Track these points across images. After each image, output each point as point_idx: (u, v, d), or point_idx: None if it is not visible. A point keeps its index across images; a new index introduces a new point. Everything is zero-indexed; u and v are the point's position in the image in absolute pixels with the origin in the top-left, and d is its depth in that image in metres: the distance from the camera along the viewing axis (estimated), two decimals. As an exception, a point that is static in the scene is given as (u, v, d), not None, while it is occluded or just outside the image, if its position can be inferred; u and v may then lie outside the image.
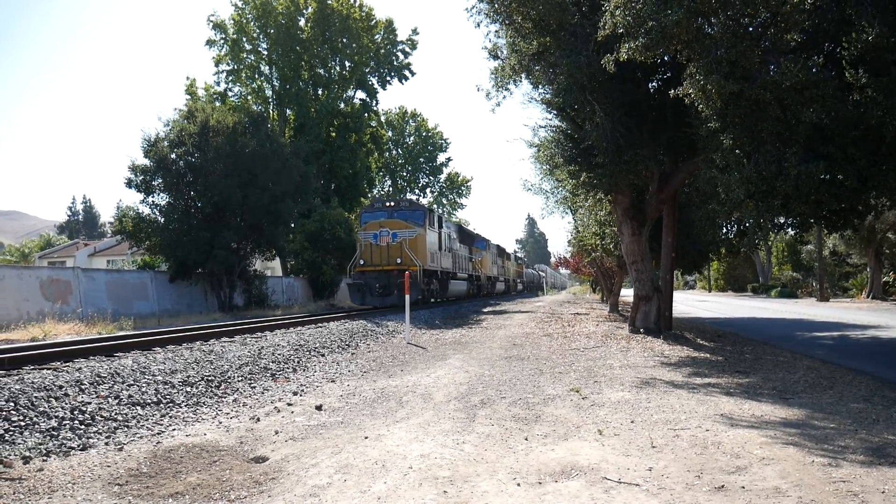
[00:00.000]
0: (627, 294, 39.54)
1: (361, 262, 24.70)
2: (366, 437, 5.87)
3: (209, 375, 9.10)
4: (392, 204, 26.88)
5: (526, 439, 5.69)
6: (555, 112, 15.20)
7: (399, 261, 23.87)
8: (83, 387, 7.37)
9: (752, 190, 9.46)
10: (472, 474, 4.72)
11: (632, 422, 6.29)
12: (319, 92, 40.73)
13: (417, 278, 22.88)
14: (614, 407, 7.02)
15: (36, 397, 6.67)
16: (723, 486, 4.34)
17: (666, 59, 12.14)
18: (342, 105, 41.74)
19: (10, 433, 5.76)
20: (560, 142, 14.99)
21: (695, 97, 9.28)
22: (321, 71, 40.98)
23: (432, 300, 28.73)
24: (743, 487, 4.30)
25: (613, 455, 5.13)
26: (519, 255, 79.02)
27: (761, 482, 4.40)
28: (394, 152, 62.48)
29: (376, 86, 44.06)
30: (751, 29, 9.67)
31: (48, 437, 5.72)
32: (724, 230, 18.75)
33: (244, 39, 39.01)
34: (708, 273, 71.00)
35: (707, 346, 13.83)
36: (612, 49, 10.13)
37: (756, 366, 10.52)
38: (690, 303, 40.62)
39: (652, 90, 14.04)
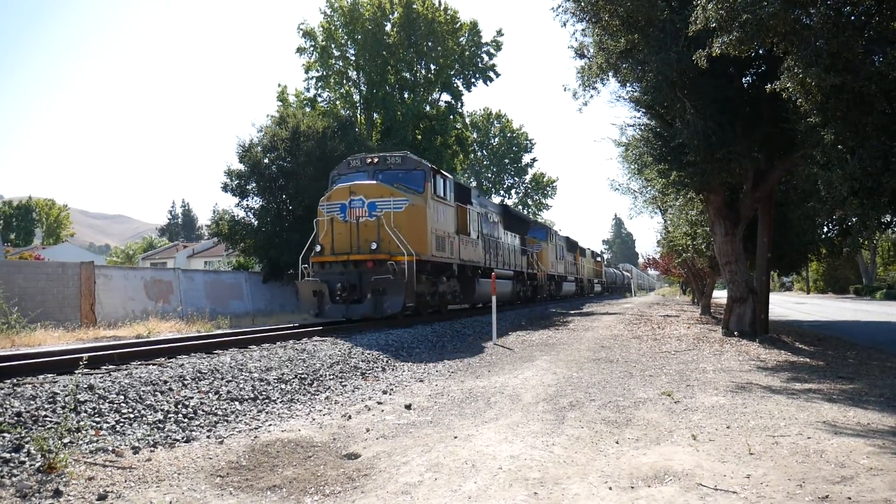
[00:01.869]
0: (720, 296, 38.33)
1: (318, 248, 15.95)
2: (455, 437, 5.92)
3: (302, 373, 9.37)
4: (375, 160, 17.38)
5: (617, 443, 5.62)
6: (643, 110, 14.92)
7: (374, 246, 15.29)
8: (185, 382, 7.72)
9: (857, 187, 9.03)
10: (562, 476, 4.69)
11: (727, 427, 6.11)
12: (405, 95, 41.25)
13: (405, 273, 14.85)
14: (708, 412, 6.84)
15: (143, 391, 7.04)
16: (827, 497, 4.16)
17: (761, 52, 11.73)
18: (428, 108, 42.13)
19: (121, 424, 6.10)
20: (649, 140, 14.71)
21: (793, 91, 8.93)
22: (407, 74, 41.49)
23: (440, 307, 19.38)
24: (849, 498, 4.12)
25: (709, 461, 5.00)
26: (598, 251, 68.44)
27: (869, 493, 4.20)
28: (479, 154, 62.65)
29: (461, 88, 44.25)
30: (853, 18, 9.23)
31: (155, 429, 6.02)
32: (825, 229, 17.96)
33: (332, 46, 39.91)
34: (806, 274, 67.90)
35: (806, 350, 13.26)
36: (703, 44, 9.87)
37: (861, 371, 10.02)
38: (787, 305, 39.00)
39: (746, 85, 13.59)
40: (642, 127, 15.60)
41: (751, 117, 12.79)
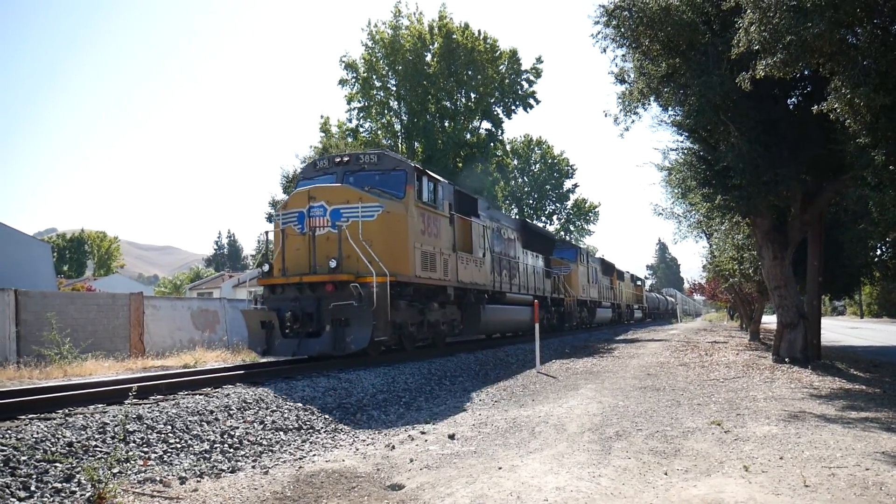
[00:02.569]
0: (769, 321, 37.42)
1: (265, 268, 13.23)
2: (499, 468, 5.85)
3: (345, 402, 9.39)
4: (346, 160, 14.32)
5: (665, 474, 5.48)
6: (686, 134, 14.78)
7: (334, 264, 12.14)
8: (231, 412, 7.79)
9: (911, 208, 8.77)
10: (609, 509, 4.59)
11: (780, 458, 5.92)
12: (446, 124, 41.57)
13: (373, 298, 11.85)
14: (760, 442, 6.64)
15: (190, 421, 7.12)
16: (889, 532, 3.99)
17: (806, 73, 11.56)
18: (468, 135, 42.36)
19: (168, 454, 6.17)
20: (692, 164, 14.55)
21: (840, 112, 8.75)
22: (447, 103, 41.84)
23: (434, 340, 16.28)
24: (913, 534, 3.94)
25: (762, 493, 4.85)
26: (638, 275, 62.63)
27: (934, 529, 4.02)
28: (520, 180, 62.62)
29: (501, 115, 44.42)
30: (902, 36, 9.05)
31: (201, 459, 6.08)
32: (878, 251, 17.48)
33: (374, 77, 40.49)
34: (859, 298, 65.90)
35: (862, 376, 12.83)
36: (746, 66, 9.76)
37: (921, 399, 9.65)
38: (840, 330, 37.86)
39: (791, 106, 13.38)
40: (685, 151, 15.43)
41: (797, 139, 12.56)
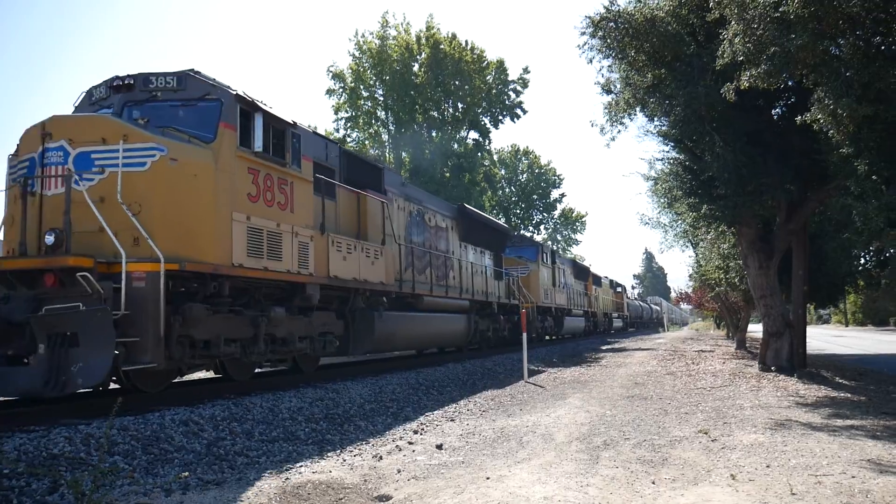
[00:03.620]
0: (755, 330, 37.62)
1: None
2: (487, 478, 5.83)
3: (332, 413, 9.34)
4: (130, 83, 9.20)
5: (653, 483, 5.49)
6: (672, 144, 14.88)
7: (52, 240, 7.50)
8: (217, 422, 7.73)
9: (893, 217, 8.87)
10: (597, 518, 4.58)
11: (767, 466, 5.95)
12: (433, 134, 41.66)
13: (121, 301, 7.38)
14: (747, 450, 6.66)
15: (175, 433, 7.06)
16: (875, 540, 4.01)
17: (790, 84, 11.67)
18: (455, 145, 42.46)
19: (153, 466, 6.12)
20: (678, 174, 14.63)
21: (824, 123, 8.84)
22: (435, 113, 41.95)
23: (274, 361, 11.55)
24: (898, 541, 3.96)
25: (749, 501, 4.86)
26: (617, 281, 57.48)
27: (919, 536, 4.04)
28: (507, 190, 62.77)
29: (488, 125, 44.60)
30: (883, 48, 9.17)
31: (187, 471, 6.02)
32: (862, 261, 17.63)
33: (361, 87, 40.56)
34: (844, 307, 66.41)
35: (847, 384, 12.92)
36: (731, 77, 9.85)
37: (905, 407, 9.72)
38: (825, 338, 38.13)
39: (776, 117, 13.51)
40: (671, 161, 15.52)
41: (782, 149, 12.68)
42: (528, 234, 46.62)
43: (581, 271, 38.63)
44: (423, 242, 16.11)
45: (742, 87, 9.54)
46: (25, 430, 6.53)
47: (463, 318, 18.07)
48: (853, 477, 5.49)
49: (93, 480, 4.94)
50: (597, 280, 44.56)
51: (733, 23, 9.29)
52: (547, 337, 30.45)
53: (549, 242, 61.69)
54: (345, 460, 6.85)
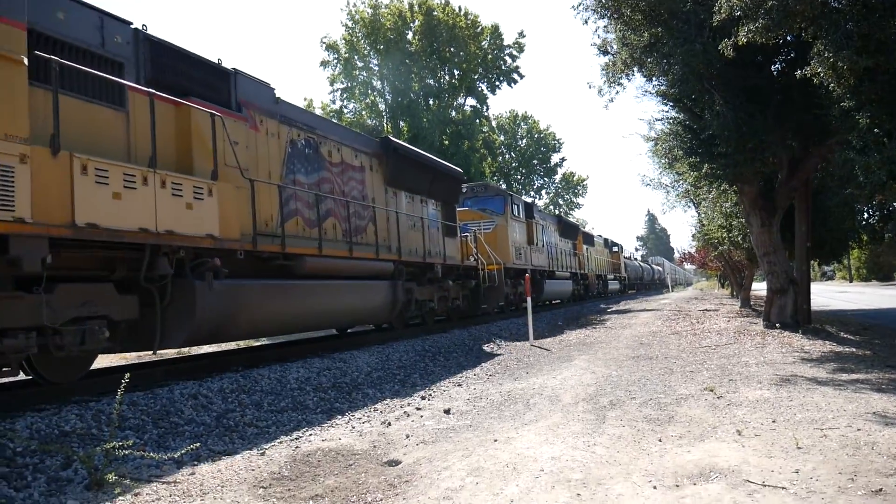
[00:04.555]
0: (759, 288, 37.72)
1: None
2: (495, 441, 5.89)
3: (340, 382, 9.42)
4: None
5: (660, 440, 5.54)
6: (671, 104, 14.77)
7: None
8: (226, 395, 7.80)
9: (896, 170, 8.83)
10: (605, 477, 4.64)
11: (773, 421, 5.99)
12: (430, 102, 41.36)
13: None
14: (753, 406, 6.71)
15: (185, 406, 7.13)
16: (881, 490, 4.05)
17: (789, 38, 11.54)
18: (453, 113, 42.18)
19: (164, 439, 6.19)
20: (678, 134, 14.54)
21: (824, 76, 8.77)
22: (431, 81, 41.60)
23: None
24: (903, 489, 4.00)
25: (755, 457, 4.90)
26: (614, 240, 52.07)
27: (924, 484, 4.08)
28: (507, 156, 62.47)
29: (486, 91, 44.26)
30: (883, -2, 9.04)
31: (198, 443, 6.08)
32: (865, 215, 17.58)
33: (356, 57, 40.17)
34: (848, 262, 66.40)
35: (852, 339, 12.97)
36: (729, 33, 9.75)
37: (909, 359, 9.77)
38: (829, 294, 38.21)
39: (775, 73, 13.37)
40: (671, 120, 15.43)
41: (782, 105, 12.58)
42: (532, 199, 45.41)
43: (569, 228, 34.01)
44: (319, 184, 11.82)
45: (740, 43, 9.44)
46: (37, 409, 6.59)
47: (384, 287, 13.46)
48: (858, 430, 5.53)
49: (105, 455, 5.00)
50: (588, 238, 40.22)
51: (731, -23, 9.17)
52: (523, 305, 23.83)
53: (552, 207, 61.53)
54: (353, 427, 6.92)
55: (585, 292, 37.13)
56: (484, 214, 21.74)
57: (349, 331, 15.66)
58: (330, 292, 11.61)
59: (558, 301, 31.48)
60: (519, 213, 24.02)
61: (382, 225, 13.79)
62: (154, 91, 8.07)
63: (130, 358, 13.26)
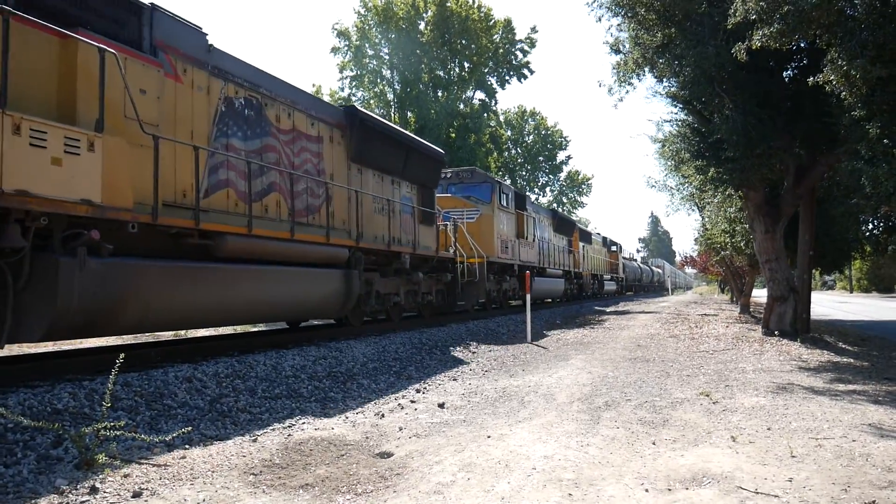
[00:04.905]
0: (759, 295, 37.66)
1: None
2: (488, 437, 5.86)
3: (335, 371, 9.40)
4: None
5: (653, 443, 5.50)
6: (680, 105, 14.69)
7: None
8: (220, 379, 7.78)
9: (903, 182, 8.77)
10: (597, 478, 4.61)
11: (768, 429, 5.96)
12: (439, 93, 41.25)
13: None
14: (748, 413, 6.67)
15: (178, 389, 7.10)
16: (874, 502, 4.02)
17: (803, 45, 11.47)
18: (462, 106, 42.07)
19: (157, 422, 6.17)
20: (686, 136, 14.47)
21: (836, 84, 8.70)
22: (441, 73, 41.50)
23: None
24: (897, 504, 3.97)
25: (748, 463, 4.87)
26: (612, 239, 50.11)
27: (919, 499, 4.04)
28: (513, 151, 62.34)
29: (495, 85, 44.14)
30: (900, 8, 8.96)
31: (189, 427, 6.06)
32: (870, 226, 17.49)
33: (367, 45, 40.05)
34: (849, 272, 66.23)
35: (850, 350, 12.92)
36: (743, 37, 9.68)
37: (908, 372, 9.72)
38: (830, 304, 38.14)
39: (787, 79, 13.29)
40: (679, 123, 15.36)
41: (792, 112, 12.51)
42: (535, 197, 44.59)
43: (564, 224, 32.13)
44: (261, 152, 10.07)
45: (754, 48, 9.37)
46: (30, 386, 6.57)
47: (336, 276, 11.55)
48: (854, 441, 5.50)
49: (96, 435, 4.97)
50: (585, 236, 38.21)
51: (746, -20, 9.09)
52: (513, 303, 24.27)
53: (555, 205, 61.39)
54: (347, 417, 6.90)
55: (579, 292, 35.77)
56: (468, 202, 20.03)
57: (301, 325, 14.15)
58: (262, 280, 9.76)
59: (549, 300, 30.08)
60: (508, 204, 22.02)
61: (340, 206, 12.11)
62: (9, 9, 6.12)
63: (127, 339, 13.25)
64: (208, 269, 8.66)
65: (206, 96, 8.98)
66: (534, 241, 25.17)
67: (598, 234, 46.97)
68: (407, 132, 16.93)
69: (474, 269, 17.77)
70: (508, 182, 36.91)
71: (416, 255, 14.82)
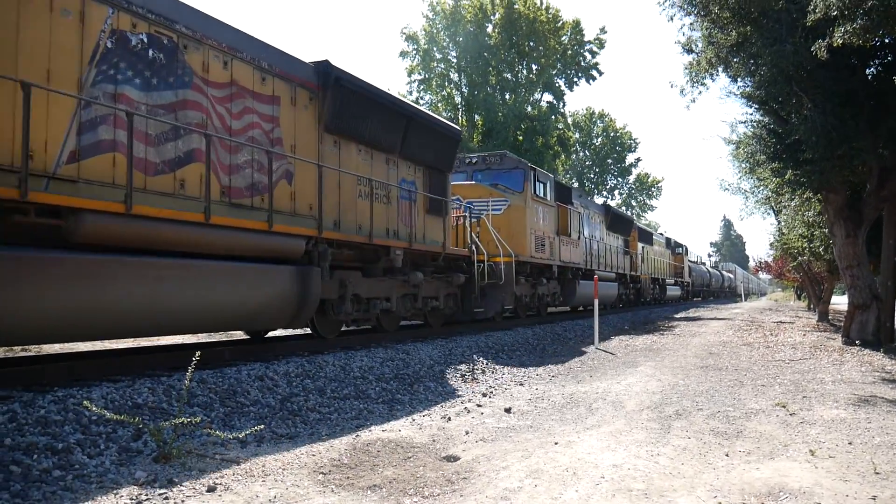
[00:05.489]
0: (839, 302, 36.20)
1: None
2: (556, 443, 5.80)
3: (402, 373, 9.47)
4: None
5: (727, 455, 5.35)
6: (756, 106, 14.28)
7: None
8: (291, 378, 7.94)
9: None
10: (667, 489, 4.50)
11: (849, 443, 5.71)
12: (507, 96, 41.20)
13: None
14: (827, 426, 6.42)
15: (251, 387, 7.28)
16: (966, 524, 3.81)
17: (887, 41, 10.98)
18: (529, 108, 41.91)
19: (230, 419, 6.34)
20: (762, 137, 14.05)
21: (924, 82, 8.29)
22: (508, 75, 41.44)
23: None
24: None
25: (829, 479, 4.68)
26: (678, 241, 44.99)
27: None
28: (581, 154, 61.77)
29: (563, 87, 43.84)
30: None
31: (262, 425, 6.21)
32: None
33: (434, 49, 40.34)
34: (937, 279, 62.97)
35: (939, 361, 12.29)
36: (823, 34, 9.33)
37: None
38: (916, 312, 36.30)
39: (870, 77, 12.76)
40: (755, 123, 14.93)
41: (876, 111, 12.00)
42: (602, 200, 43.57)
43: (620, 221, 28.85)
44: (175, 108, 7.56)
45: (835, 45, 9.03)
46: (112, 381, 6.84)
47: (284, 274, 8.92)
48: (943, 457, 5.23)
49: (173, 429, 5.14)
50: (645, 236, 34.24)
51: (828, -25, 8.77)
52: (551, 309, 21.84)
53: (624, 207, 60.40)
54: (414, 420, 6.95)
55: (636, 297, 32.31)
56: (495, 191, 16.85)
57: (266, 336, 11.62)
58: (154, 277, 7.09)
59: (603, 307, 25.64)
60: (546, 195, 18.55)
61: (307, 186, 9.55)
62: None
63: (202, 337, 13.65)
64: (51, 261, 6.10)
65: (78, 25, 6.47)
66: (580, 238, 22.08)
67: (662, 234, 44.35)
68: (404, 100, 13.99)
69: (499, 270, 14.79)
70: (576, 184, 36.14)
71: (411, 251, 12.10)
